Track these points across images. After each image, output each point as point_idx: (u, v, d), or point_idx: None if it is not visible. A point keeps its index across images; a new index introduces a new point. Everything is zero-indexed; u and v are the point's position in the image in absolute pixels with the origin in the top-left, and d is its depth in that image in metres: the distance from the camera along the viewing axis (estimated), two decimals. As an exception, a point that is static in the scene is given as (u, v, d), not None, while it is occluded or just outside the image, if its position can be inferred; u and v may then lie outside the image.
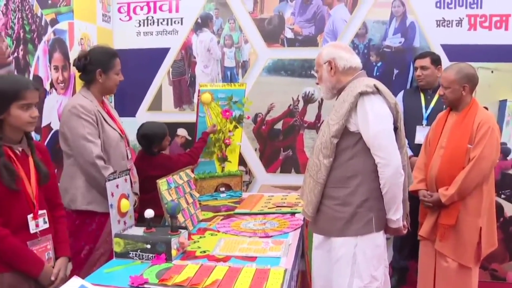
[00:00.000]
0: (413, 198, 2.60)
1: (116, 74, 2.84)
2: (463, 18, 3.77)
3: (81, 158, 2.67)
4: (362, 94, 2.27)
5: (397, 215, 2.32)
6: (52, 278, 2.10)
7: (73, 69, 3.25)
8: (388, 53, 3.92)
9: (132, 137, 3.25)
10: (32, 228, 2.09)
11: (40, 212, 2.13)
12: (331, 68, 2.43)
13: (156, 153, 3.33)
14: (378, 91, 2.30)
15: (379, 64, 3.94)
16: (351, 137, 2.32)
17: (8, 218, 2.00)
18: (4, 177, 1.97)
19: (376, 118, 2.26)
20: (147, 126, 3.35)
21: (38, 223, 2.12)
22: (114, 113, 3.00)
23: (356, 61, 2.45)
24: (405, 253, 3.73)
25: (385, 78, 3.60)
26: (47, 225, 2.16)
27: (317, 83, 2.55)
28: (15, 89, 2.02)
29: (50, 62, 3.15)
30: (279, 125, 4.13)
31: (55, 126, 3.12)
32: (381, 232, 2.37)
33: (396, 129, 2.35)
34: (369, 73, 2.54)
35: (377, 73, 3.91)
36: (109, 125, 2.80)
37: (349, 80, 2.41)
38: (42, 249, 2.13)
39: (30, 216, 2.08)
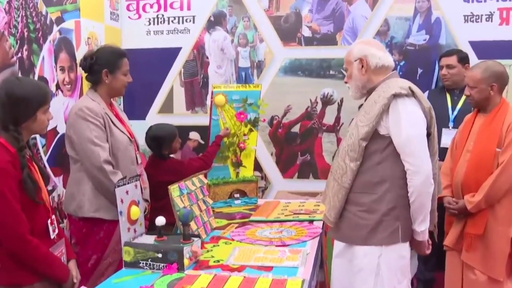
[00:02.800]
0: (438, 206, 2.54)
1: (123, 74, 2.81)
2: (494, 12, 3.67)
3: (88, 163, 2.63)
4: (395, 96, 2.23)
5: (422, 227, 2.27)
6: (75, 281, 2.20)
7: (80, 70, 3.26)
8: (412, 51, 3.84)
9: (142, 141, 3.24)
10: (52, 234, 2.15)
11: (53, 217, 2.18)
12: (362, 66, 2.37)
13: (167, 157, 3.30)
14: (413, 93, 2.26)
15: (402, 63, 3.87)
16: (381, 140, 2.27)
17: (33, 226, 2.03)
18: (29, 189, 2.00)
19: (409, 122, 2.21)
20: (156, 127, 3.33)
21: (54, 228, 2.17)
22: (123, 116, 2.98)
23: (389, 59, 2.40)
24: (431, 263, 3.63)
25: (409, 78, 3.40)
26: (57, 230, 2.21)
27: (346, 82, 2.50)
28: (42, 94, 2.07)
29: (55, 63, 3.11)
30: (296, 128, 4.08)
31: (61, 129, 3.09)
32: (407, 243, 2.33)
33: (429, 135, 2.30)
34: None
35: (400, 73, 3.80)
36: (118, 128, 2.77)
37: (380, 80, 2.36)
38: (60, 254, 2.19)
39: (49, 222, 2.14)
